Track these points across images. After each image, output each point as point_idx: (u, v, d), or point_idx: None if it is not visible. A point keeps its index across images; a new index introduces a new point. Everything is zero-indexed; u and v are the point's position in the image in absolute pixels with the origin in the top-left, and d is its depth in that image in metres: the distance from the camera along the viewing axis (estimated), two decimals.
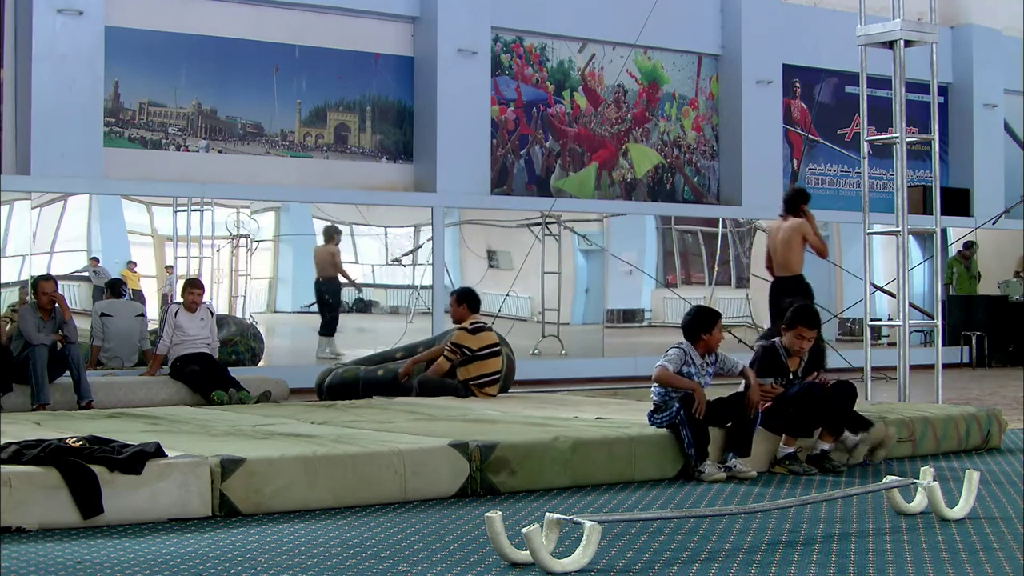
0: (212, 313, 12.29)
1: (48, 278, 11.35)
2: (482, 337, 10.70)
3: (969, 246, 19.15)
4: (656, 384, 7.58)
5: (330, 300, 15.30)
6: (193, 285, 12.20)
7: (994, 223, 16.89)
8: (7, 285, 13.59)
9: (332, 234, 15.46)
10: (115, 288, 13.14)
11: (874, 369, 11.18)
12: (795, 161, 19.74)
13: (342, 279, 15.44)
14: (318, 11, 15.68)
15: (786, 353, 7.92)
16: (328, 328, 15.34)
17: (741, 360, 7.86)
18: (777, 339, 8.01)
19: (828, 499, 6.33)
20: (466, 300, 10.92)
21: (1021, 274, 19.69)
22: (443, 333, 11.98)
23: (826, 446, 7.78)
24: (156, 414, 8.99)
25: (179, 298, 12.39)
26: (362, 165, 16.09)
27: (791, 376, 7.91)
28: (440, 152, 15.96)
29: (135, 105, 14.71)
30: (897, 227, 10.71)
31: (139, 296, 14.25)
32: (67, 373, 10.99)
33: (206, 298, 12.38)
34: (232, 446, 6.77)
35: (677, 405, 7.42)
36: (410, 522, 6.00)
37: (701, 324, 7.65)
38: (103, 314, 12.71)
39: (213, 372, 11.68)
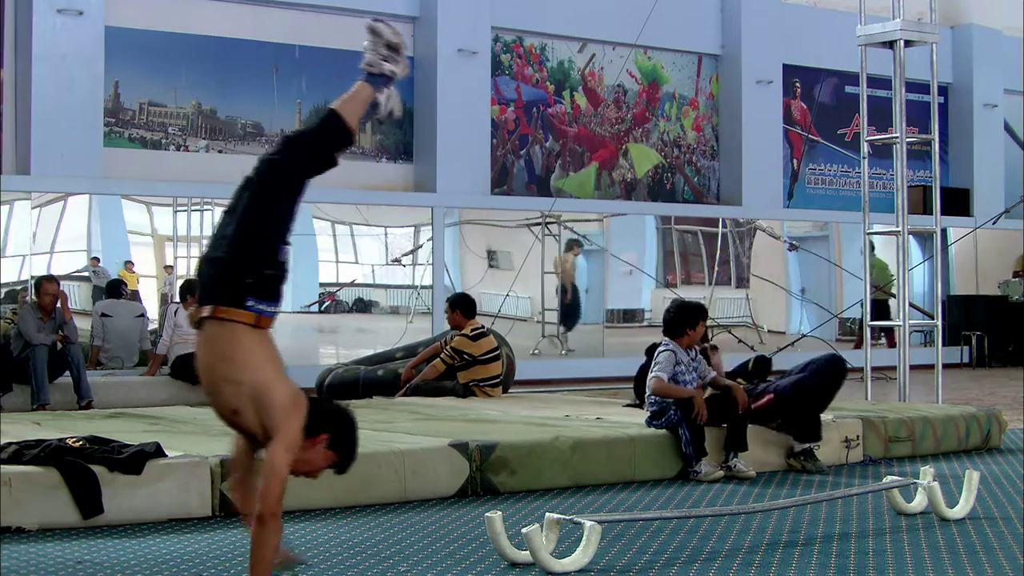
0: None
1: (51, 279, 11.35)
2: (483, 343, 10.70)
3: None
4: (654, 395, 7.58)
5: (571, 301, 16.68)
6: (192, 285, 12.19)
7: (994, 223, 16.85)
8: (7, 285, 13.59)
9: (572, 244, 16.64)
10: (115, 288, 13.13)
11: (874, 369, 11.18)
12: (795, 161, 19.74)
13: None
14: (318, 11, 15.68)
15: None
16: (569, 323, 16.82)
17: (712, 371, 7.82)
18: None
19: (828, 499, 6.33)
20: (460, 306, 10.91)
21: (1021, 274, 19.68)
22: (442, 333, 11.98)
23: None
24: (156, 414, 8.98)
25: (179, 298, 12.38)
26: (362, 165, 16.07)
27: None
28: (440, 152, 15.96)
29: (135, 105, 14.71)
30: (897, 227, 10.72)
31: (135, 297, 14.23)
32: (67, 373, 10.99)
33: None
34: None
35: (675, 408, 7.42)
36: (410, 522, 6.00)
37: (686, 319, 7.61)
38: (103, 314, 12.71)
39: None
